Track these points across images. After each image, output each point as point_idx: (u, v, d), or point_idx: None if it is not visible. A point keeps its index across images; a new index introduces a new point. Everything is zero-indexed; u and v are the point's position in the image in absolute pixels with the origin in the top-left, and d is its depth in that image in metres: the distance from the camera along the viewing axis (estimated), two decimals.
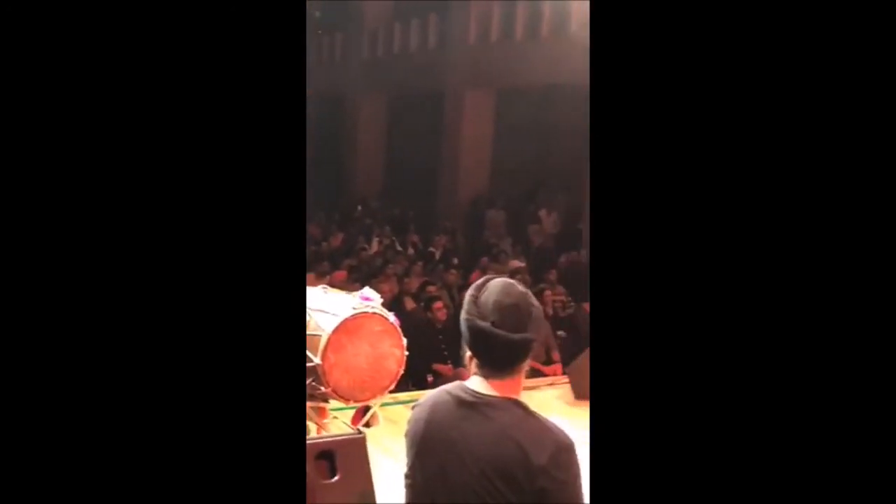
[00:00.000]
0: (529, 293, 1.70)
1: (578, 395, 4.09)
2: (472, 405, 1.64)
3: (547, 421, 1.63)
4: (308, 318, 2.90)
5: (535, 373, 5.25)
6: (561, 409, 3.92)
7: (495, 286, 1.67)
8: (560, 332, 6.43)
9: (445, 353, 5.49)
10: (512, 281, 1.71)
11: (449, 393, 1.70)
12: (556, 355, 5.96)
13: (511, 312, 1.62)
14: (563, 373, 4.82)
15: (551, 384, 4.50)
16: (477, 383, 1.67)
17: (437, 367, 5.49)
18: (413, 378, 4.97)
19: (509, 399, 1.64)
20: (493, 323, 1.61)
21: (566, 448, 1.58)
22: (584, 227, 10.55)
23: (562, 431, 1.62)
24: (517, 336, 1.62)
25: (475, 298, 1.66)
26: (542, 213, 11.33)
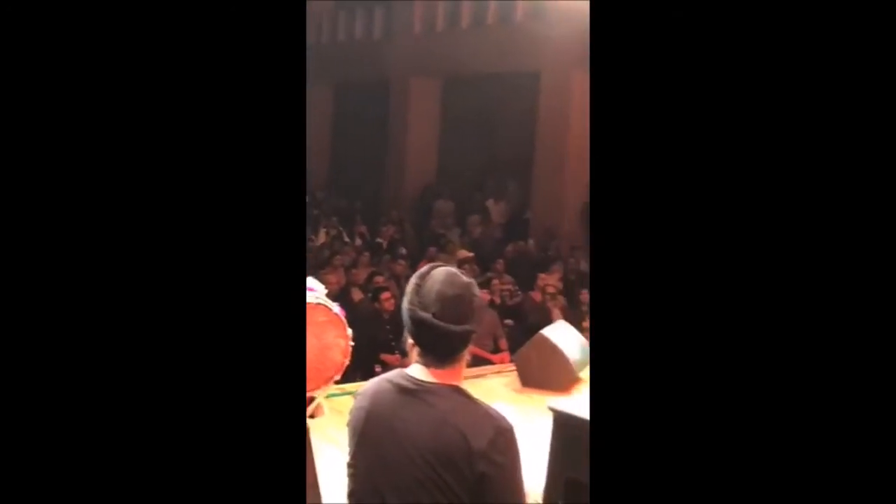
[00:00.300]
0: (473, 283, 1.69)
1: (525, 383, 4.12)
2: (412, 393, 1.64)
3: (487, 406, 1.64)
4: None
5: (482, 361, 5.29)
6: (508, 397, 3.94)
7: (439, 276, 1.66)
8: (507, 321, 6.49)
9: (393, 343, 5.48)
10: (456, 270, 1.70)
11: (390, 381, 1.69)
12: (503, 343, 6.01)
13: (453, 303, 1.62)
14: (511, 361, 4.84)
15: (498, 372, 4.51)
16: (418, 371, 1.67)
17: (385, 357, 5.48)
18: (361, 369, 4.95)
19: (450, 386, 1.65)
20: (434, 314, 1.61)
21: (505, 431, 1.59)
22: (532, 216, 10.65)
23: (501, 416, 1.62)
24: (458, 328, 1.61)
25: (418, 287, 1.65)
26: (490, 202, 11.38)
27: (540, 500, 1.92)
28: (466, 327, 1.63)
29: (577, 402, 1.94)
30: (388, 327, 5.57)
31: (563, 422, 1.82)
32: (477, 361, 5.26)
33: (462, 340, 1.64)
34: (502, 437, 1.58)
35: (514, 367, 4.37)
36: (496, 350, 5.95)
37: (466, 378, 1.71)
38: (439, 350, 1.65)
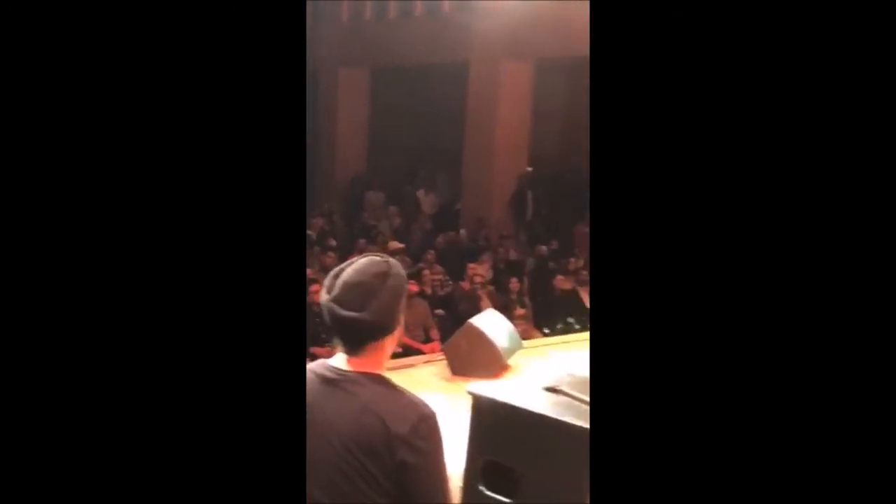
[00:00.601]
0: (392, 274, 1.65)
1: (455, 372, 4.15)
2: (333, 382, 1.64)
3: (409, 394, 1.65)
4: None
5: (414, 351, 5.31)
6: (437, 386, 3.96)
7: (357, 264, 1.66)
8: (438, 311, 6.53)
9: (324, 336, 5.46)
10: (379, 259, 1.68)
11: (312, 371, 1.69)
12: (434, 333, 6.06)
13: (353, 290, 1.60)
14: (441, 350, 4.87)
15: (428, 361, 4.53)
16: (340, 360, 1.67)
17: (315, 350, 5.46)
18: None
19: (372, 375, 1.65)
20: (332, 299, 1.61)
21: (428, 418, 1.60)
22: (462, 206, 10.70)
23: (424, 403, 1.63)
24: (348, 314, 1.59)
25: (337, 274, 1.66)
26: (420, 193, 11.40)
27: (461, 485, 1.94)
28: (357, 314, 1.60)
29: (497, 386, 1.96)
30: (317, 320, 5.53)
31: (482, 405, 1.84)
32: (409, 351, 5.28)
33: (366, 328, 1.62)
34: (424, 424, 1.59)
35: (443, 356, 4.41)
36: (427, 340, 5.99)
37: (397, 368, 1.71)
38: (343, 337, 1.64)
